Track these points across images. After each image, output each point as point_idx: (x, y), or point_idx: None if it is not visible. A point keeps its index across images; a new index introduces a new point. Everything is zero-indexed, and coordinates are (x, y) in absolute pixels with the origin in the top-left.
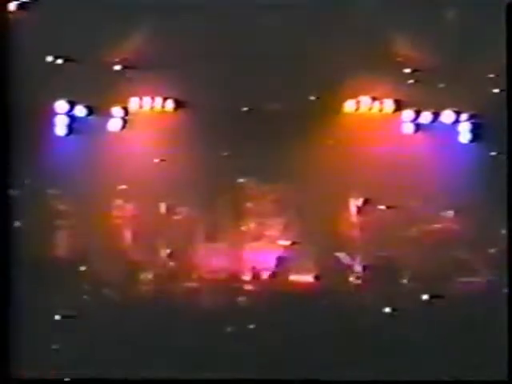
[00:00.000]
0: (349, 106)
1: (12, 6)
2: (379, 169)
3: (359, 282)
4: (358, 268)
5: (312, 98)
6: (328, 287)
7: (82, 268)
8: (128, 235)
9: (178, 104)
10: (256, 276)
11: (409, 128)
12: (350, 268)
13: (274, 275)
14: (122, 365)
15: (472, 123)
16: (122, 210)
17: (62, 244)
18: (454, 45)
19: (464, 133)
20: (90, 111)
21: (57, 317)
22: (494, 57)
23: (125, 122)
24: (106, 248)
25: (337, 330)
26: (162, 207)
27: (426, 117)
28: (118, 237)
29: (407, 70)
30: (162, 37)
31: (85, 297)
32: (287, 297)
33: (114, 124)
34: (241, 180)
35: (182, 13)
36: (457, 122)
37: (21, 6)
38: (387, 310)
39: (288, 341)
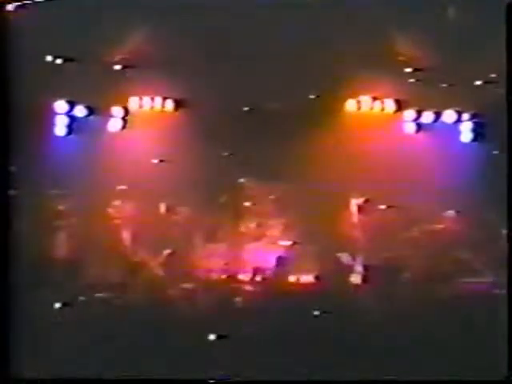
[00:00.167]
0: (350, 105)
1: (11, 7)
2: (380, 169)
3: (360, 282)
4: (359, 268)
5: (313, 97)
6: (328, 287)
7: (82, 268)
8: (128, 235)
9: (178, 104)
10: (256, 276)
11: (410, 128)
12: (350, 268)
13: (274, 275)
14: (122, 365)
15: (474, 122)
16: (122, 210)
17: (62, 244)
18: (455, 44)
19: (466, 132)
20: (90, 111)
21: (56, 317)
22: (494, 56)
23: (125, 121)
24: (105, 248)
25: (337, 330)
26: (162, 207)
27: (427, 116)
28: (118, 237)
29: (408, 70)
30: (161, 36)
31: (85, 297)
32: (287, 297)
33: (114, 124)
34: (241, 180)
35: (181, 13)
36: (458, 121)
37: (20, 7)
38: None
39: (288, 341)
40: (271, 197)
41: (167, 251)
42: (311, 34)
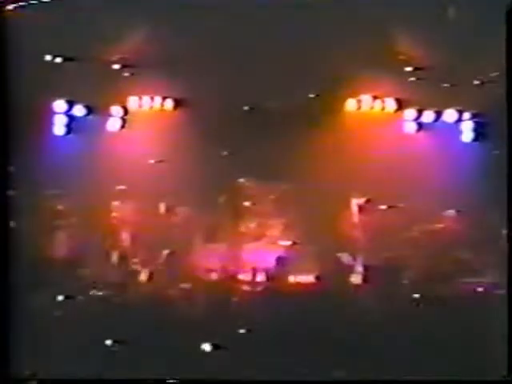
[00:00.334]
0: (350, 104)
1: (10, 6)
2: (381, 168)
3: (360, 282)
4: (359, 268)
5: (313, 96)
6: (329, 288)
7: (81, 268)
8: (127, 235)
9: (178, 103)
10: (256, 276)
11: (411, 127)
12: (351, 268)
13: (274, 276)
14: (122, 365)
15: (475, 122)
16: (121, 210)
17: (61, 244)
18: (456, 43)
19: (466, 132)
20: (89, 110)
21: (56, 317)
22: (495, 56)
23: (124, 121)
24: (105, 248)
25: (337, 330)
26: (162, 207)
27: (428, 116)
28: (117, 237)
29: (409, 69)
30: (161, 36)
31: (84, 297)
32: (287, 297)
33: (113, 123)
34: (241, 180)
35: (181, 12)
36: (459, 120)
37: (19, 6)
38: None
39: (288, 341)
40: (271, 197)
41: (166, 251)
42: (311, 34)
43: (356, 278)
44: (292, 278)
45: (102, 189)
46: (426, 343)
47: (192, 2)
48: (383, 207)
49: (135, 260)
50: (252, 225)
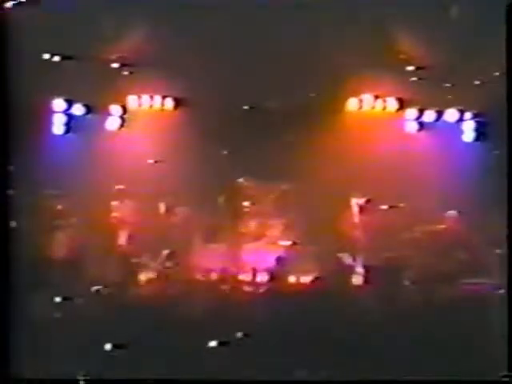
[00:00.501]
0: (351, 104)
1: (9, 4)
2: (381, 168)
3: (361, 282)
4: (359, 269)
5: (314, 96)
6: (329, 288)
7: (81, 268)
8: (127, 235)
9: (178, 102)
10: (256, 276)
11: (412, 126)
12: (351, 269)
13: (274, 276)
14: (122, 365)
15: (476, 122)
16: (121, 209)
17: (61, 243)
18: (457, 43)
19: (468, 131)
20: (88, 109)
21: (56, 317)
22: (496, 55)
23: (123, 120)
24: (104, 248)
25: (337, 330)
26: (161, 207)
27: (429, 115)
28: (117, 237)
29: (410, 68)
30: (161, 35)
31: (84, 297)
32: (287, 297)
33: (113, 122)
34: (241, 180)
35: (181, 12)
36: (461, 120)
37: (18, 5)
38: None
39: (288, 341)
40: (271, 196)
41: (166, 251)
42: (311, 34)
43: (356, 279)
44: (292, 279)
45: (102, 188)
46: (426, 343)
47: (192, 2)
48: (384, 207)
49: (135, 260)
50: (252, 225)
